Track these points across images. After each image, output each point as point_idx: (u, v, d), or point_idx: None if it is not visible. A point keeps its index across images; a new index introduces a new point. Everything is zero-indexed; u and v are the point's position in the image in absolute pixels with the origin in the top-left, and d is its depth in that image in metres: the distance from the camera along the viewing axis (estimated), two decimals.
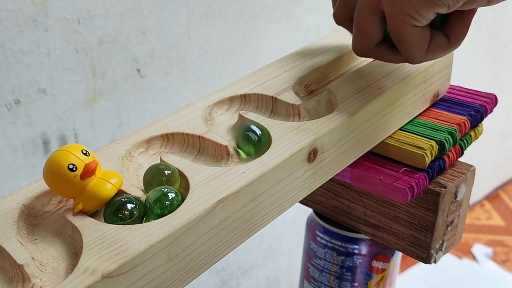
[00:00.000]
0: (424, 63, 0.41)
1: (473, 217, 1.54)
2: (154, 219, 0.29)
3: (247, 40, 0.81)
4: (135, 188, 0.31)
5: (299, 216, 0.72)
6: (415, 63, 0.36)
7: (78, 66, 0.64)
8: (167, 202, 0.29)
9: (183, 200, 0.29)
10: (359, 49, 0.36)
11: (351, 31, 0.38)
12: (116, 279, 0.25)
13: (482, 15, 1.28)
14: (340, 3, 0.37)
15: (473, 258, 1.38)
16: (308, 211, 0.49)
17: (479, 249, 1.41)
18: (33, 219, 0.31)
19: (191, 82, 0.77)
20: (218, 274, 0.95)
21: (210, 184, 0.30)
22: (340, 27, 0.40)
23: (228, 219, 0.30)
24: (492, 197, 1.63)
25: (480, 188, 1.57)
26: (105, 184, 0.30)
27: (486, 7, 0.33)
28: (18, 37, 0.59)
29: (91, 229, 0.28)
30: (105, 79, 0.67)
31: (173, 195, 0.29)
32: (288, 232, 1.04)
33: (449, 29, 0.35)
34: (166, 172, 0.31)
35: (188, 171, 0.32)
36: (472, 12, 0.34)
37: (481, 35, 1.32)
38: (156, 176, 0.31)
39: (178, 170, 0.32)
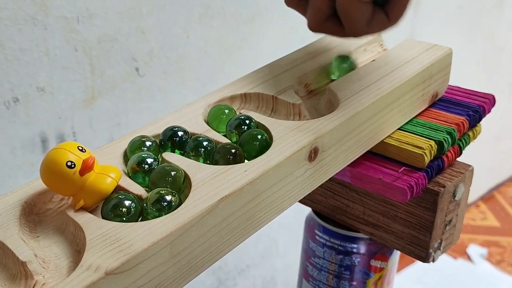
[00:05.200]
0: (423, 63, 0.42)
1: (469, 217, 1.54)
2: None
3: (245, 40, 0.81)
4: (136, 186, 0.31)
5: (296, 216, 0.72)
6: (356, 36, 0.39)
7: (77, 65, 0.64)
8: (164, 204, 0.29)
9: (181, 202, 0.29)
10: (312, 24, 0.40)
11: (300, 13, 0.42)
12: (119, 276, 0.25)
13: (478, 17, 1.28)
14: None
15: (468, 258, 1.39)
16: (305, 211, 0.50)
17: (474, 250, 1.41)
18: (35, 216, 0.31)
19: (189, 82, 0.77)
20: (214, 273, 0.95)
21: (212, 183, 0.30)
22: None
23: (230, 217, 0.30)
24: (487, 198, 1.64)
25: (475, 189, 1.58)
26: (104, 178, 0.30)
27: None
28: (17, 36, 0.59)
29: (94, 227, 0.28)
30: (104, 78, 0.67)
31: (171, 197, 0.29)
32: (285, 232, 1.04)
33: (389, 7, 0.38)
34: (172, 173, 0.31)
35: (190, 170, 0.32)
36: None
37: (477, 37, 1.32)
38: (162, 177, 0.31)
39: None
